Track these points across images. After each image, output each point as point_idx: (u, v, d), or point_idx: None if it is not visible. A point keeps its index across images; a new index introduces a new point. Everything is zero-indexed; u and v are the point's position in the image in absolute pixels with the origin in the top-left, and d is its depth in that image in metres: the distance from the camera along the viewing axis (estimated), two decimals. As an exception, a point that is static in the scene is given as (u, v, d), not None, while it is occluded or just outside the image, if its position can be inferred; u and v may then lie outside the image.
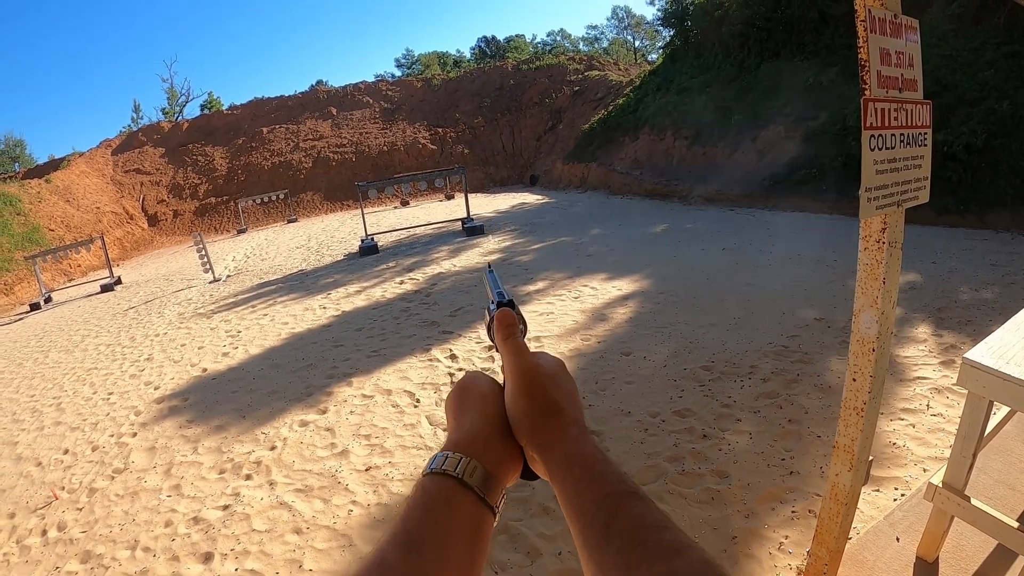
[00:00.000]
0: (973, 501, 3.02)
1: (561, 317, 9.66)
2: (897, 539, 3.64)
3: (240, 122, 45.42)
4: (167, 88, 60.27)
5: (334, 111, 44.89)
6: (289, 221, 35.06)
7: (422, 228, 22.73)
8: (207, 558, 4.85)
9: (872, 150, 2.33)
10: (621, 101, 31.26)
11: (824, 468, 4.66)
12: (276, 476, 5.99)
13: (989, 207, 12.04)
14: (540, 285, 11.78)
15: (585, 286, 11.21)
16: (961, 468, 3.03)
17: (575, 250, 14.94)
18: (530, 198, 29.22)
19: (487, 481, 0.75)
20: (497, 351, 0.92)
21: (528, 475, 0.84)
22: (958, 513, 3.09)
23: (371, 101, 45.57)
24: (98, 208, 35.09)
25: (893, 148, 2.40)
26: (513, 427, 0.82)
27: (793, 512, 4.26)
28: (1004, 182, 12.14)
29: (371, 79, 50.23)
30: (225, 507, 5.59)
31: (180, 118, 52.78)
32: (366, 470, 5.88)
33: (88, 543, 5.38)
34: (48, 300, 21.92)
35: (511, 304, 0.96)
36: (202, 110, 56.19)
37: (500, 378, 0.92)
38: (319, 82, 56.21)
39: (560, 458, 0.76)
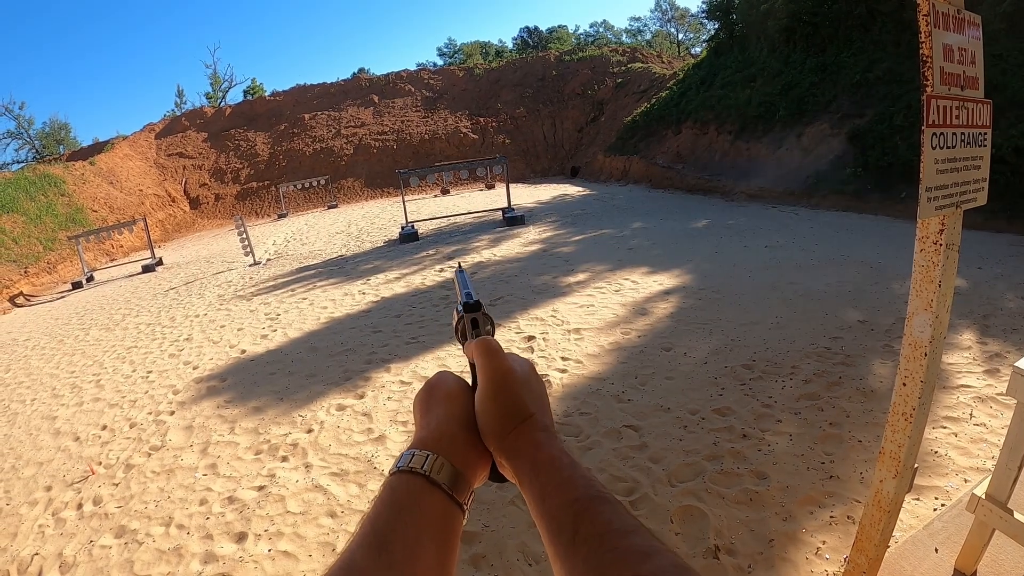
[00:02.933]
0: (1016, 515, 2.91)
1: (601, 310, 9.52)
2: (936, 550, 3.52)
3: (282, 108, 45.76)
4: (210, 74, 61.16)
5: (376, 99, 45.04)
6: (329, 207, 35.23)
7: (462, 216, 22.68)
8: (241, 538, 4.81)
9: (934, 148, 2.22)
10: (664, 94, 30.96)
11: (864, 473, 4.56)
12: (312, 459, 5.94)
13: None
14: (580, 277, 11.64)
15: (626, 279, 11.05)
16: (1006, 480, 2.92)
17: (616, 243, 14.76)
18: (571, 189, 29.04)
19: (456, 479, 0.74)
20: (464, 352, 0.93)
21: (496, 477, 0.84)
22: (1000, 526, 2.98)
23: (413, 89, 45.64)
24: (141, 190, 35.56)
25: (954, 147, 2.30)
26: (481, 429, 0.81)
27: (832, 517, 4.13)
28: None
29: (413, 68, 50.35)
30: (260, 488, 5.55)
31: (223, 103, 53.37)
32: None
33: (123, 518, 5.38)
34: (90, 279, 22.26)
35: (478, 305, 0.97)
36: (245, 96, 56.82)
37: (469, 379, 0.91)
38: (361, 70, 56.63)
39: (527, 462, 0.76)
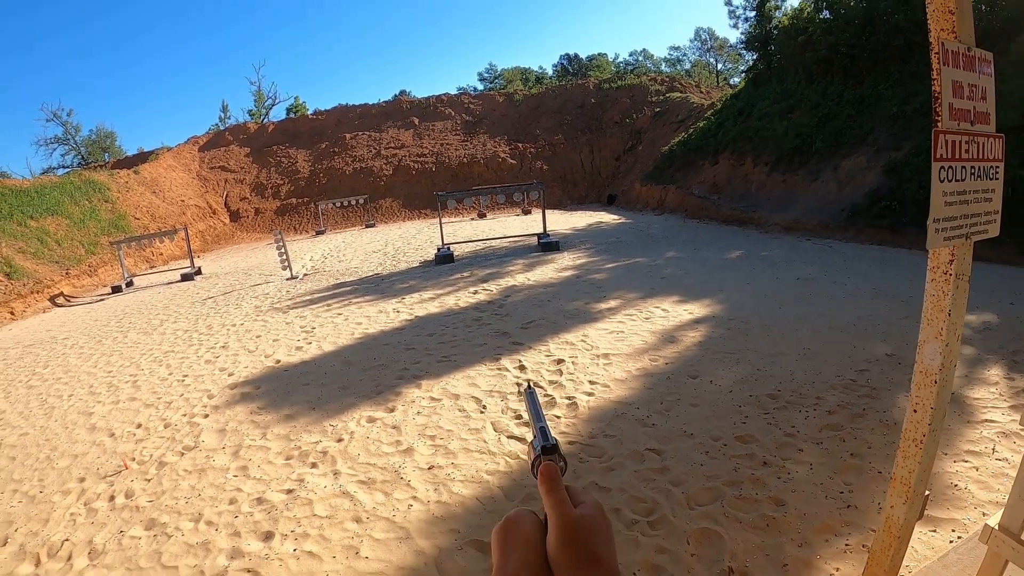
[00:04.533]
0: None
1: (631, 336, 9.57)
2: None
3: (324, 127, 46.48)
4: (254, 91, 62.04)
5: (416, 121, 45.57)
6: (367, 226, 35.58)
7: (498, 240, 22.84)
8: (267, 537, 4.94)
9: (942, 181, 2.36)
10: (702, 124, 30.99)
11: (883, 504, 4.48)
12: (341, 467, 6.07)
13: None
14: (612, 304, 11.69)
15: (657, 307, 11.08)
16: (1019, 511, 2.94)
17: (649, 271, 14.79)
18: (607, 217, 29.11)
19: None
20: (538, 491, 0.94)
21: None
22: (1012, 558, 2.98)
23: (453, 113, 46.11)
24: (183, 201, 36.27)
25: (963, 180, 2.42)
26: (554, 572, 0.83)
27: (847, 545, 4.17)
28: None
29: (453, 91, 50.99)
30: (289, 491, 5.68)
31: (266, 120, 54.25)
32: (429, 468, 5.92)
33: (153, 512, 5.56)
34: (130, 284, 22.76)
35: (555, 448, 0.96)
36: (288, 113, 57.68)
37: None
38: (402, 92, 57.20)
39: None
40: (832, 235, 17.60)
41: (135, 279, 24.04)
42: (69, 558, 4.97)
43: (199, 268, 23.73)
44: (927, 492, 2.91)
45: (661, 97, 39.75)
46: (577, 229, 25.10)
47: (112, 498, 5.94)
